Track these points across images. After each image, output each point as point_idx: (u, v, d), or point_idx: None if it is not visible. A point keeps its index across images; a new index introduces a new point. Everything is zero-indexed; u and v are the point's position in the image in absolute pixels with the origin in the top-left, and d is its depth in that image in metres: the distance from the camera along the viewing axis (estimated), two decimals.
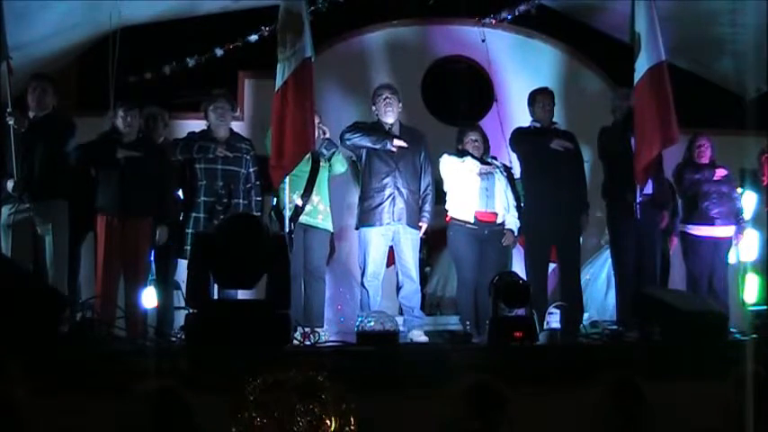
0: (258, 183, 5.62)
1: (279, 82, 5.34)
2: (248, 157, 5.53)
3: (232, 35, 7.24)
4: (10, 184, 5.16)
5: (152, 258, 5.58)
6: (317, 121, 5.51)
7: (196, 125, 5.86)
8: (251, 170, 5.55)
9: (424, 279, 6.29)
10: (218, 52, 7.22)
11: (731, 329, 4.98)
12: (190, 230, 5.34)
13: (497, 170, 5.90)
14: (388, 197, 5.58)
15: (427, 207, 5.74)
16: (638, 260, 5.66)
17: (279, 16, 5.48)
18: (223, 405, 3.44)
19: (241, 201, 5.44)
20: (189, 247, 5.24)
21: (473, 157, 5.82)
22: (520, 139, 6.01)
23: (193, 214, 5.36)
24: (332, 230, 5.79)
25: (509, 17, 7.36)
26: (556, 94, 6.12)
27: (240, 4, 7.05)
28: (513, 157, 6.26)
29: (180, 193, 5.70)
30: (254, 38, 7.15)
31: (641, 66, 5.47)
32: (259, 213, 5.55)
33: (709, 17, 6.89)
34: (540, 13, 7.34)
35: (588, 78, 7.49)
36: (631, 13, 5.56)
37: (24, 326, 3.81)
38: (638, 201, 5.50)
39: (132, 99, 5.61)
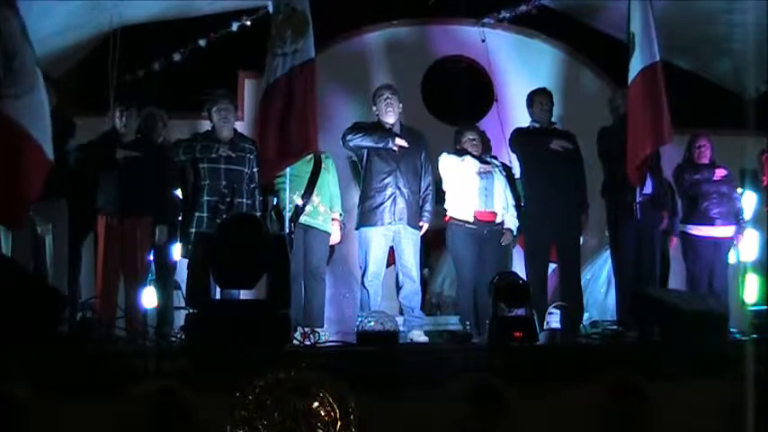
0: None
1: (272, 77, 5.30)
2: (252, 157, 5.51)
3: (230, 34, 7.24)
4: None
5: (152, 258, 5.59)
6: None
7: (195, 126, 5.86)
8: (254, 170, 5.53)
9: (423, 279, 6.29)
10: (201, 43, 7.19)
11: (731, 329, 4.99)
12: (193, 230, 5.33)
13: (496, 169, 5.90)
14: (390, 197, 5.57)
15: (428, 207, 5.73)
16: (637, 260, 5.65)
17: (278, 10, 5.41)
18: (223, 405, 3.43)
19: (244, 200, 5.43)
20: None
21: (472, 156, 5.82)
22: (519, 139, 6.01)
23: (197, 214, 5.35)
24: (331, 232, 5.79)
25: (509, 17, 7.36)
26: (556, 94, 6.13)
27: (238, 3, 7.04)
28: (513, 157, 6.26)
29: (178, 192, 5.71)
30: (234, 26, 7.10)
31: (635, 66, 5.45)
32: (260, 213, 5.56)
33: (708, 16, 6.88)
34: (540, 13, 7.32)
35: (588, 78, 7.49)
36: (628, 13, 5.56)
37: (24, 326, 3.82)
38: (637, 201, 5.49)
39: (130, 99, 5.61)
